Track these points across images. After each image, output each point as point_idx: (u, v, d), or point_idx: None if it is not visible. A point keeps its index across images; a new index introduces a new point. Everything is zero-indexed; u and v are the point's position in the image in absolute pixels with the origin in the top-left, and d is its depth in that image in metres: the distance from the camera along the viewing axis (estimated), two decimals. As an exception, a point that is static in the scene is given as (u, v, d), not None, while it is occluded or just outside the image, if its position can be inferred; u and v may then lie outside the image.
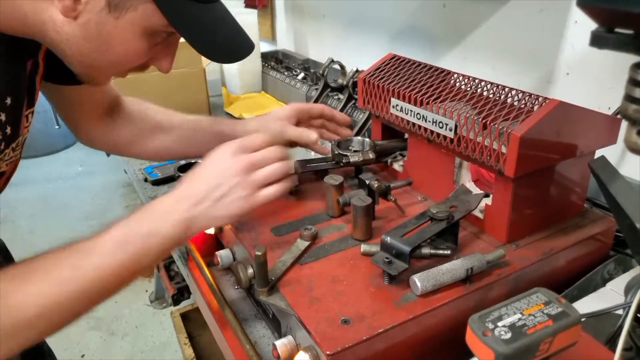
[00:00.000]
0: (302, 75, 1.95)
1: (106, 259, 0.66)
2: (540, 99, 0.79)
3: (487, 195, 0.86)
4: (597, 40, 0.53)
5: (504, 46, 1.25)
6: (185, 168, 1.24)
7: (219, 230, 0.97)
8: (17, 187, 0.99)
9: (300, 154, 1.56)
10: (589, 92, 1.08)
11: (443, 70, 0.97)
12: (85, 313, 0.66)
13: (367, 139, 1.07)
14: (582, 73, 1.10)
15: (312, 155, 1.08)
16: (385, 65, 1.03)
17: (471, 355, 0.52)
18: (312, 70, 1.92)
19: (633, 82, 0.54)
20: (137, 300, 2.62)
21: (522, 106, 0.80)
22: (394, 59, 1.04)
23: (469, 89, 0.92)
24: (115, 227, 0.68)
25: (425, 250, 0.76)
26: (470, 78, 0.93)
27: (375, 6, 1.68)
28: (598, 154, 0.78)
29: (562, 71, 1.13)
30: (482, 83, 0.90)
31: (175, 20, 0.70)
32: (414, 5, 1.51)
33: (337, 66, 1.63)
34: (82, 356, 2.31)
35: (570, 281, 0.83)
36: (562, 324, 0.51)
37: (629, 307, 0.60)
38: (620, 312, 0.68)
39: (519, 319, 0.51)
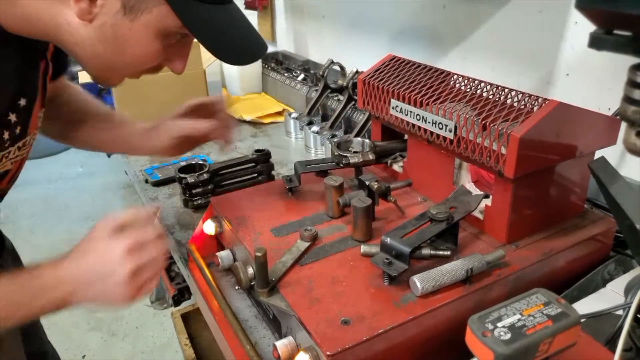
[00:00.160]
0: (302, 76, 1.95)
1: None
2: (539, 99, 0.79)
3: (486, 196, 0.86)
4: (595, 42, 0.54)
5: (504, 47, 1.25)
6: (185, 169, 1.23)
7: (220, 231, 0.97)
8: (18, 188, 1.00)
9: (300, 154, 1.57)
10: (588, 93, 1.08)
11: (443, 72, 0.97)
12: None
13: (367, 140, 1.07)
14: (582, 74, 1.10)
15: (313, 155, 1.08)
16: (385, 67, 1.04)
17: (471, 355, 0.52)
18: (312, 72, 1.93)
19: (632, 84, 0.55)
20: (137, 300, 2.62)
21: (522, 107, 0.81)
22: (394, 60, 1.05)
23: (468, 90, 0.92)
24: (29, 271, 0.68)
25: (425, 251, 0.76)
26: (470, 79, 0.93)
27: (375, 7, 1.68)
28: (598, 154, 0.78)
29: (562, 72, 1.13)
30: (482, 84, 0.90)
31: (189, 21, 0.70)
32: (414, 5, 1.51)
33: (337, 67, 1.63)
34: (83, 357, 2.31)
35: (570, 282, 0.83)
36: (561, 325, 0.51)
37: (629, 307, 0.60)
38: (620, 312, 0.68)
39: (519, 320, 0.51)
